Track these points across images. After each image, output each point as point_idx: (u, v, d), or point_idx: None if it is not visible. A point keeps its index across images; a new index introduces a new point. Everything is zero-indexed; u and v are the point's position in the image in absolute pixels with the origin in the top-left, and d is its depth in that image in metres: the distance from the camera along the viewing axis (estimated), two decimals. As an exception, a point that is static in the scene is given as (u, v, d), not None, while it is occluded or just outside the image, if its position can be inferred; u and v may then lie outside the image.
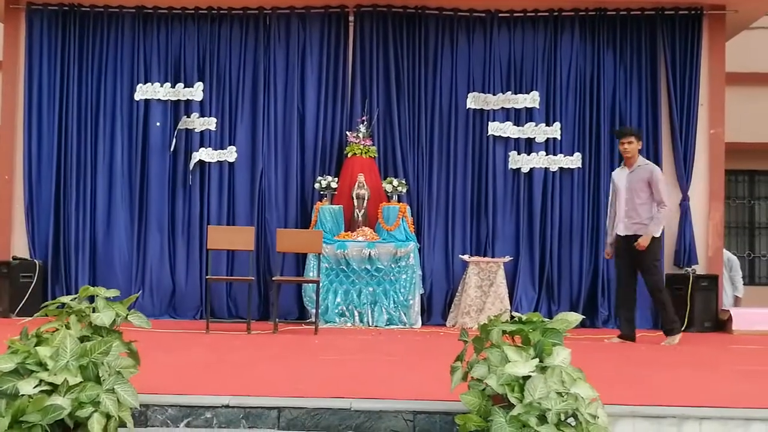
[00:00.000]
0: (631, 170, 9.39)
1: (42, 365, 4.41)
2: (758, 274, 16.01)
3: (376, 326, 10.56)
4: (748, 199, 16.13)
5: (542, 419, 4.25)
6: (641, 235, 9.20)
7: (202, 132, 11.57)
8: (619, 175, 9.55)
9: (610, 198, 9.84)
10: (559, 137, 11.58)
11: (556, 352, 4.54)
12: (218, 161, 11.55)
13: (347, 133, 11.41)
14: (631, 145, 9.35)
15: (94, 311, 4.82)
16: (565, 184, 11.59)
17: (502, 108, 11.61)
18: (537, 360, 4.48)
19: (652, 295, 9.51)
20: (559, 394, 4.33)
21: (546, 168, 11.55)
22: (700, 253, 11.50)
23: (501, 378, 4.40)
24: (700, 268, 11.40)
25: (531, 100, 11.59)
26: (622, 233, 9.39)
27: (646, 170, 9.36)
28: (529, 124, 11.58)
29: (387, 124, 11.64)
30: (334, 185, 11.20)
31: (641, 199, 9.29)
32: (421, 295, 11.06)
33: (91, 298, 4.94)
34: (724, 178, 11.87)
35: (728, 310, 11.18)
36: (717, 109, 11.67)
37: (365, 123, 11.37)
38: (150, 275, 11.47)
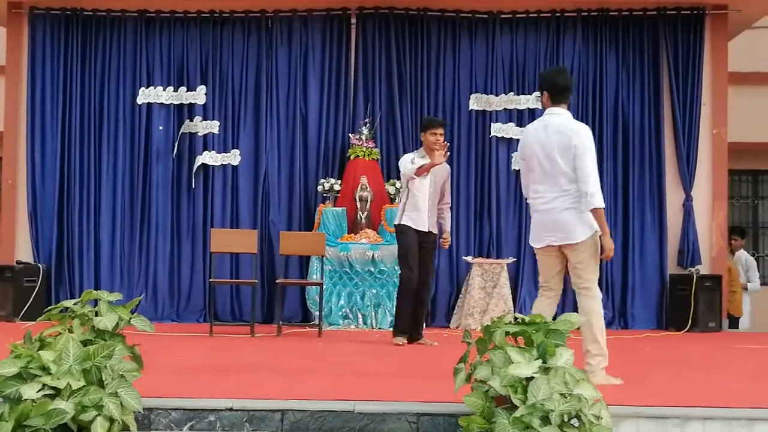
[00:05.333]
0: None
1: (45, 369, 4.42)
2: (762, 273, 15.97)
3: (379, 328, 10.55)
4: (752, 199, 16.12)
5: (545, 420, 4.25)
6: None
7: (205, 135, 11.57)
8: None
9: None
10: (561, 138, 11.56)
11: (559, 353, 4.54)
12: (221, 164, 11.56)
13: (350, 135, 11.42)
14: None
15: (97, 315, 4.82)
16: (568, 185, 11.57)
17: (505, 109, 11.61)
18: (540, 361, 4.48)
19: None
20: (563, 395, 4.33)
21: (549, 169, 11.54)
22: (703, 254, 11.48)
23: (504, 379, 4.40)
24: (703, 269, 11.38)
25: (533, 101, 11.57)
26: None
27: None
28: (531, 125, 11.57)
29: (390, 126, 11.64)
30: (337, 187, 11.21)
31: None
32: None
33: (94, 302, 4.94)
34: (727, 178, 11.86)
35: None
36: (720, 109, 11.67)
37: (368, 125, 11.37)
38: (153, 278, 11.47)
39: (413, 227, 8.83)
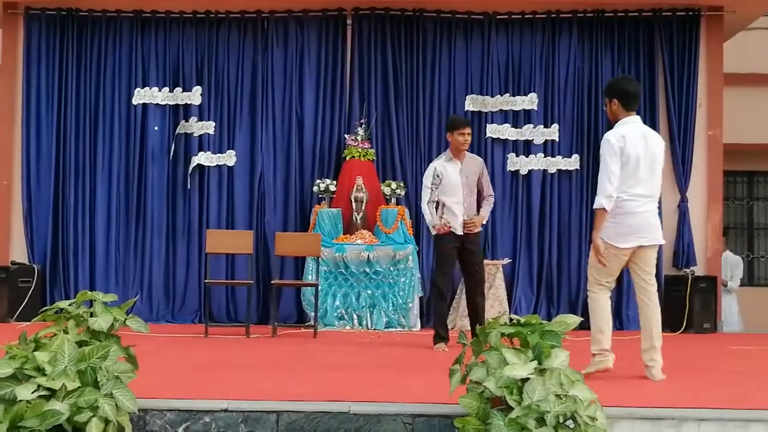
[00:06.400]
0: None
1: (40, 370, 4.41)
2: (757, 275, 16.01)
3: (375, 329, 10.54)
4: (747, 200, 16.14)
5: (541, 422, 4.25)
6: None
7: (200, 136, 11.57)
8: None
9: None
10: (557, 139, 11.59)
11: (554, 355, 4.54)
12: (217, 165, 11.55)
13: (345, 136, 11.42)
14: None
15: (92, 316, 4.83)
16: (564, 186, 11.60)
17: (500, 110, 11.61)
18: (535, 362, 4.48)
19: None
20: (558, 396, 4.33)
21: (544, 170, 11.56)
22: (698, 255, 11.50)
23: (499, 381, 4.41)
24: (698, 270, 11.39)
25: (529, 102, 11.59)
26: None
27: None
28: (527, 126, 11.59)
29: (385, 126, 11.64)
30: (332, 188, 11.20)
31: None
32: (420, 297, 11.04)
33: (90, 303, 4.94)
34: (722, 179, 11.88)
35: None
36: (715, 110, 11.68)
37: (363, 126, 11.37)
38: (148, 279, 11.46)
39: (452, 232, 8.65)
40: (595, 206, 6.66)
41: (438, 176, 8.67)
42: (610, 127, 6.87)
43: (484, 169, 9.01)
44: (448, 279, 8.85)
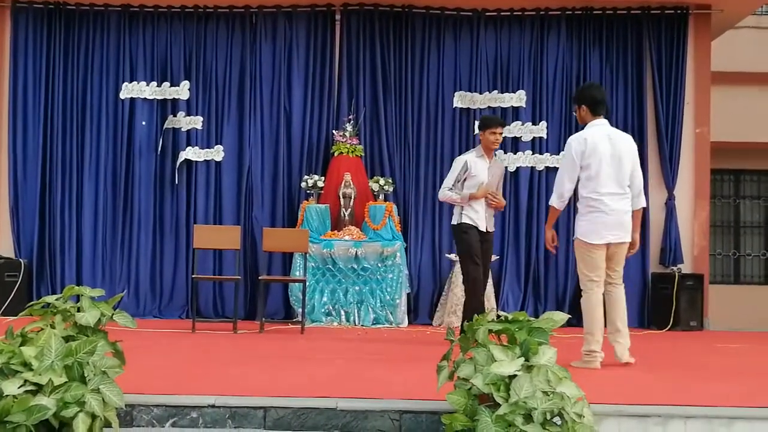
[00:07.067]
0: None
1: (27, 365, 4.40)
2: (743, 272, 16.06)
3: (362, 325, 10.55)
4: (734, 198, 16.19)
5: (528, 418, 4.25)
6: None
7: (188, 131, 11.54)
8: None
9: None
10: (545, 136, 11.61)
11: (542, 351, 4.55)
12: (205, 160, 11.53)
13: (334, 131, 11.40)
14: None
15: (79, 311, 4.81)
16: (551, 183, 11.47)
17: (489, 107, 11.61)
18: (523, 359, 4.49)
19: None
20: (545, 393, 4.33)
21: (532, 167, 11.58)
22: (685, 253, 11.52)
23: (487, 377, 4.41)
24: (685, 267, 11.42)
25: (517, 99, 11.60)
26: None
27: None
28: (515, 123, 11.60)
29: (374, 122, 11.63)
30: (320, 184, 11.19)
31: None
32: (408, 294, 11.05)
33: (76, 298, 4.92)
34: (709, 177, 11.91)
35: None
36: (702, 109, 11.72)
37: (352, 122, 11.36)
38: (136, 274, 11.44)
39: (474, 226, 8.54)
40: (550, 202, 7.32)
41: (467, 169, 8.55)
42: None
43: (503, 175, 9.08)
44: (479, 267, 8.61)
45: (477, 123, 8.97)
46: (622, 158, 7.07)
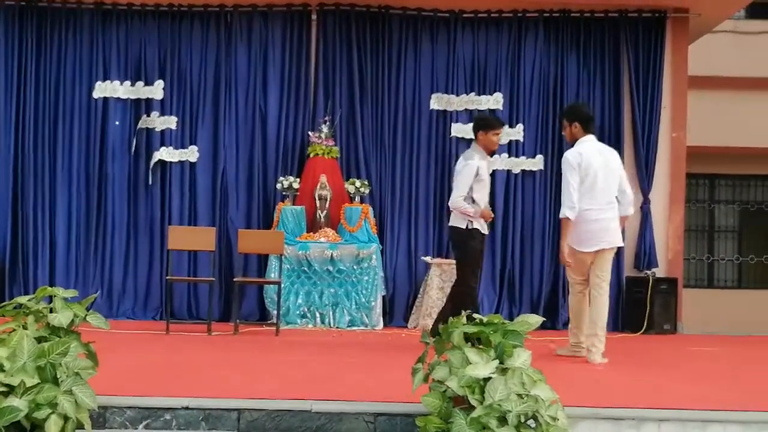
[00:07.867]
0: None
1: (-2, 366, 4.36)
2: (717, 277, 16.17)
3: (337, 328, 10.52)
4: (708, 203, 16.29)
5: (502, 421, 4.25)
6: None
7: (162, 131, 11.46)
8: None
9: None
10: (521, 139, 11.62)
11: (516, 354, 4.56)
12: (179, 161, 11.46)
13: (309, 133, 11.36)
14: None
15: (51, 312, 4.77)
16: (527, 187, 11.63)
17: (466, 109, 11.61)
18: (497, 362, 4.49)
19: None
20: (520, 396, 4.34)
21: (508, 170, 11.59)
22: (660, 257, 11.57)
23: (462, 380, 4.40)
24: (659, 271, 11.48)
25: (494, 101, 11.61)
26: None
27: None
28: (492, 125, 11.60)
29: (350, 124, 11.60)
30: (296, 186, 11.15)
31: None
32: (383, 296, 11.04)
33: (49, 299, 4.88)
34: (685, 182, 11.96)
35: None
36: (679, 113, 11.77)
37: (328, 123, 11.33)
38: (109, 275, 11.35)
39: (484, 233, 8.41)
40: (560, 216, 7.69)
41: (480, 174, 8.29)
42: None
43: None
44: (478, 282, 8.62)
45: (474, 123, 8.75)
46: (612, 171, 7.74)
